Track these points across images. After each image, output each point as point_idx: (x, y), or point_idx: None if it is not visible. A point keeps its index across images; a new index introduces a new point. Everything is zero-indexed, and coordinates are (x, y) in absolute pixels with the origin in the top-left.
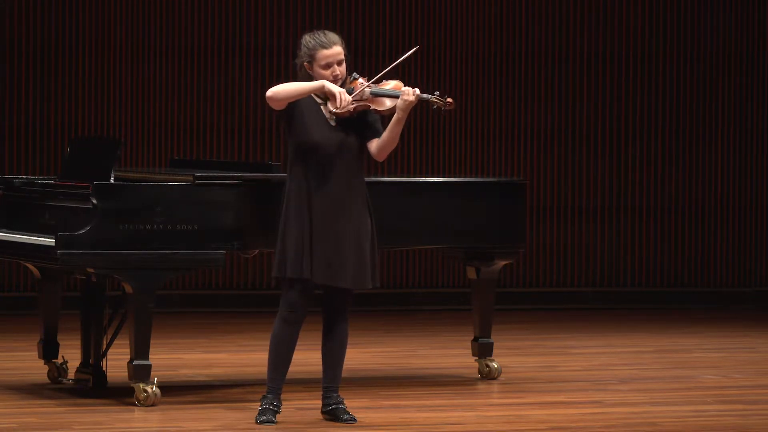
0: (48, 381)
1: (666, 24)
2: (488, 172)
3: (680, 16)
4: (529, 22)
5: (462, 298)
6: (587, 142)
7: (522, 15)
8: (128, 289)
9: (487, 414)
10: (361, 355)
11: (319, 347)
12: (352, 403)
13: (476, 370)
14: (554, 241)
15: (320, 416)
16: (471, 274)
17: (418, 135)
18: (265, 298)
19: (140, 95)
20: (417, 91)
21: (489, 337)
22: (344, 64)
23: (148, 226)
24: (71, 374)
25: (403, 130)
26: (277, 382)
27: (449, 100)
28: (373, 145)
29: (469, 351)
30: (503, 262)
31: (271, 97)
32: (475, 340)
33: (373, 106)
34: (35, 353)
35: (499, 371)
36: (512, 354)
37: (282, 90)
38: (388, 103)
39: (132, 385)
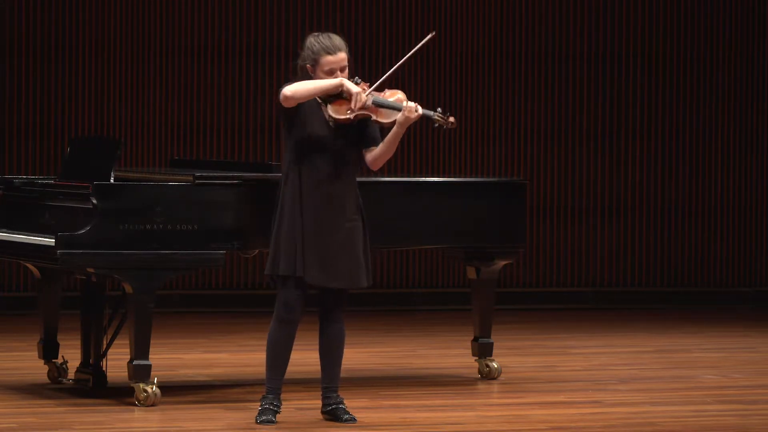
0: (48, 381)
1: (666, 24)
2: (488, 172)
3: (680, 16)
4: (529, 22)
5: (462, 298)
6: (587, 142)
7: (522, 15)
8: (128, 289)
9: (487, 414)
10: (361, 355)
11: (318, 347)
12: (352, 403)
13: (476, 370)
14: (554, 241)
15: (320, 416)
16: (471, 274)
17: (418, 135)
18: (265, 298)
19: (140, 95)
20: (419, 108)
21: (489, 337)
22: (347, 70)
23: (148, 226)
24: (71, 374)
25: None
26: (275, 382)
27: (451, 119)
28: (369, 154)
29: (469, 351)
30: (503, 262)
31: (290, 96)
32: (475, 340)
33: (374, 117)
34: (35, 353)
35: (499, 371)
36: (512, 354)
37: (302, 89)
38: (389, 115)
39: (132, 385)
